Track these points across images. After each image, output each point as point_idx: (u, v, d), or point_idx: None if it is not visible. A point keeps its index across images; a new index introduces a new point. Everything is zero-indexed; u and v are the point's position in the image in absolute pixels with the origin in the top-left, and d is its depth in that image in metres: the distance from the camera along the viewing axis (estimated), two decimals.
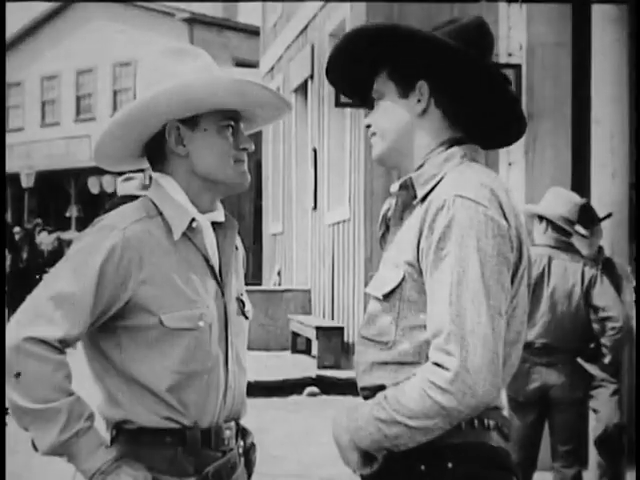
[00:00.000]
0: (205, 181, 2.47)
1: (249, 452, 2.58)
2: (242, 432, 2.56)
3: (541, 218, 5.62)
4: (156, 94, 2.40)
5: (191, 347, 2.39)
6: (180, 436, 2.38)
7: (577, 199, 5.65)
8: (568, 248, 5.57)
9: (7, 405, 2.30)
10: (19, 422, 2.29)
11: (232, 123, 2.48)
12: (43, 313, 2.29)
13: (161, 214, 2.44)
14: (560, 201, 5.59)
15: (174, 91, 2.39)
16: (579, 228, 5.67)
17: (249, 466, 2.59)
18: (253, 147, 2.52)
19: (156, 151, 2.50)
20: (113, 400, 2.39)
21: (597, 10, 6.74)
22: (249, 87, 2.44)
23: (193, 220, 2.45)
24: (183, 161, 2.47)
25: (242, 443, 2.55)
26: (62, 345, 2.30)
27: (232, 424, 2.50)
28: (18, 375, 2.26)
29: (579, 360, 5.46)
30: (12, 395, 2.27)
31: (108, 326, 2.38)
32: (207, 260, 2.47)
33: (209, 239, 2.50)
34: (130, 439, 2.37)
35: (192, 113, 2.43)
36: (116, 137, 2.47)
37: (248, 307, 2.61)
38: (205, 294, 2.44)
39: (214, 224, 2.54)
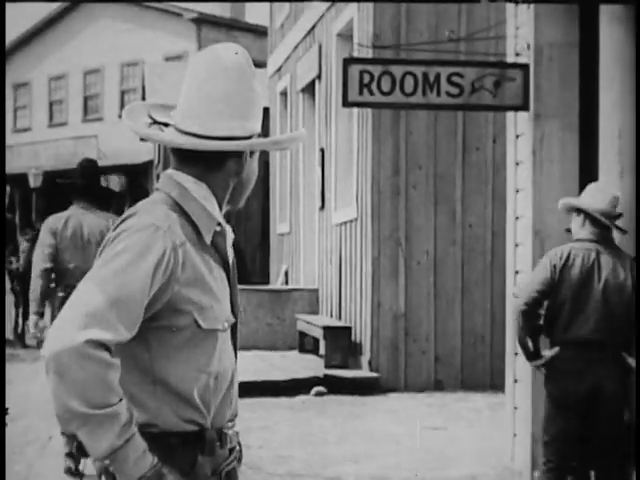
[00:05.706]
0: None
1: (240, 451, 2.60)
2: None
3: (579, 211, 5.62)
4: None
5: (218, 348, 2.40)
6: (200, 437, 2.39)
7: (617, 193, 5.65)
8: (612, 243, 5.58)
9: (61, 410, 2.18)
10: (65, 426, 2.21)
11: None
12: (100, 316, 2.20)
13: (185, 214, 2.41)
14: (600, 196, 5.58)
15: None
16: (619, 223, 5.66)
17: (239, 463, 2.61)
18: None
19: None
20: (136, 403, 2.33)
21: (605, 10, 6.73)
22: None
23: (218, 224, 2.45)
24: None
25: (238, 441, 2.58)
26: (115, 348, 2.23)
27: (234, 422, 2.52)
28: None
29: (624, 355, 5.44)
30: (66, 399, 2.16)
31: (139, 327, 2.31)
32: (224, 263, 2.48)
33: (229, 242, 2.51)
34: (153, 443, 2.30)
35: None
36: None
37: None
38: (225, 296, 2.46)
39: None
